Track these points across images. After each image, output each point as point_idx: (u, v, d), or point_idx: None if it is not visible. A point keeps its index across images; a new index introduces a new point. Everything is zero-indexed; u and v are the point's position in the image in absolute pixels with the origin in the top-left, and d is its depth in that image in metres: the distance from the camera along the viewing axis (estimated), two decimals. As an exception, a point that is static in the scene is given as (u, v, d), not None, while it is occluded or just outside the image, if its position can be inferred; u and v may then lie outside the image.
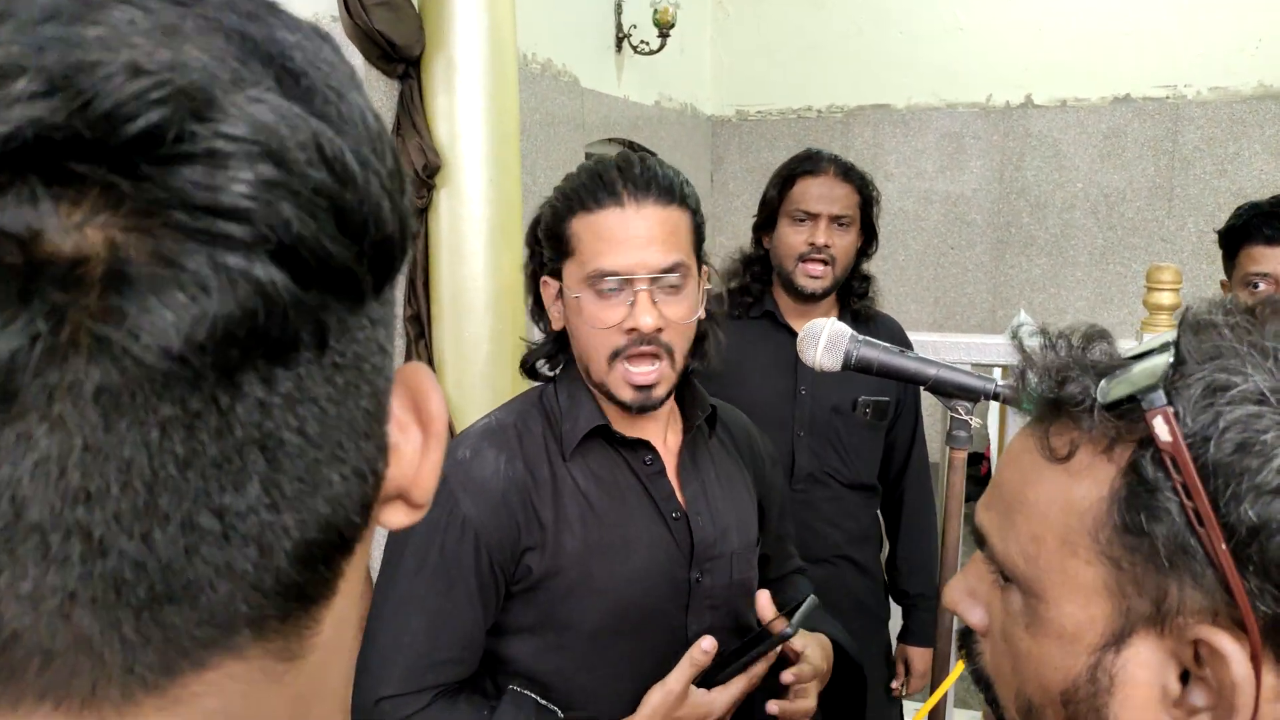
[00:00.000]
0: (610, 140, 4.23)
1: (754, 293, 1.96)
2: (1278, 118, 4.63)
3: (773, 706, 1.12)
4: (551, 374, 1.20)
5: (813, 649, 1.16)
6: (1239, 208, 1.68)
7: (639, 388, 1.10)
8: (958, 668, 0.94)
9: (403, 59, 2.55)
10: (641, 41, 4.24)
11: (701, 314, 1.15)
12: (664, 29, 4.15)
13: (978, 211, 5.15)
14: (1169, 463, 0.47)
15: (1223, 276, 1.73)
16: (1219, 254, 3.94)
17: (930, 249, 5.25)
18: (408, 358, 2.77)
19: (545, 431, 1.14)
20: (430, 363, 2.77)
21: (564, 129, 3.67)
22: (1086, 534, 0.51)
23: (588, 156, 3.96)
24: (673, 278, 1.08)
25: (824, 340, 1.16)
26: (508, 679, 1.12)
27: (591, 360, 1.12)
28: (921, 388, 1.15)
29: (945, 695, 0.98)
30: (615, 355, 1.09)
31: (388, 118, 2.61)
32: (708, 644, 1.01)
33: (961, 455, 1.21)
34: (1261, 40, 4.61)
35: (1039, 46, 4.94)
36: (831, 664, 1.19)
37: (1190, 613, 0.48)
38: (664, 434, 1.20)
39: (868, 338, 1.18)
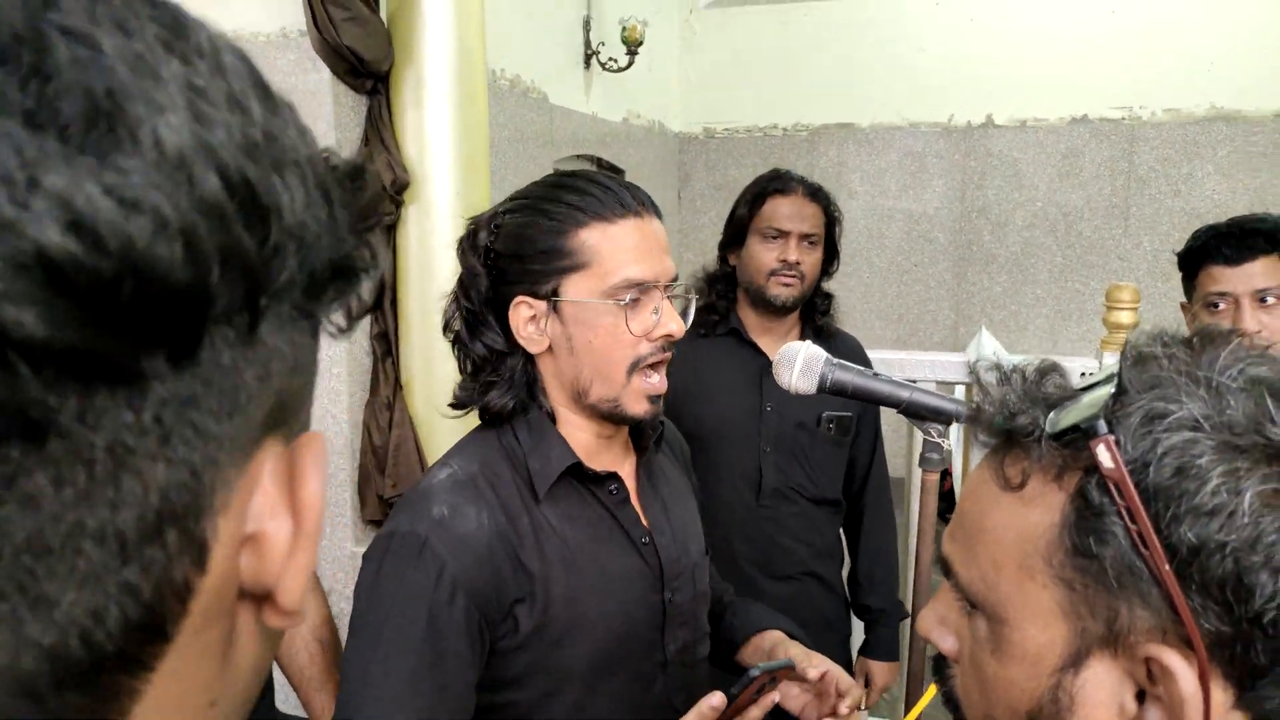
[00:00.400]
0: (579, 156, 4.23)
1: (719, 310, 1.98)
2: (1229, 139, 4.75)
3: None
4: (509, 413, 1.09)
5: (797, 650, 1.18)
6: (1197, 230, 1.71)
7: (653, 398, 1.07)
8: (930, 691, 0.94)
9: (371, 74, 2.53)
10: (610, 59, 4.25)
11: None
12: (632, 46, 4.17)
13: (940, 230, 5.22)
14: (1113, 488, 0.49)
15: (1181, 298, 1.76)
16: (1174, 272, 3.99)
17: (893, 266, 5.31)
18: (374, 376, 2.73)
19: (514, 477, 1.07)
20: (397, 381, 2.73)
21: (532, 145, 3.67)
22: (1041, 558, 0.53)
23: (557, 173, 3.96)
24: (679, 286, 1.10)
25: (799, 364, 1.16)
26: None
27: (604, 377, 1.06)
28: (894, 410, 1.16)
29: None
30: (635, 366, 1.05)
31: (356, 133, 2.59)
32: (716, 700, 0.98)
33: (933, 477, 1.21)
34: (1214, 64, 4.73)
35: (1000, 68, 5.02)
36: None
37: (1140, 632, 0.50)
38: (623, 458, 1.17)
39: (842, 361, 1.18)
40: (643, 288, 1.04)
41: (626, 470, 1.17)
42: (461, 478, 1.06)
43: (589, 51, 4.19)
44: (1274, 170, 4.70)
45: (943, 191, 5.20)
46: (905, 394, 1.16)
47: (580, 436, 1.10)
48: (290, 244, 0.28)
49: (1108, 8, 4.85)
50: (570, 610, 1.06)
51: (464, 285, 1.09)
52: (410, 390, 2.74)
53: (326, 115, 2.50)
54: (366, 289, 0.34)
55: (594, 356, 1.05)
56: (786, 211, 1.94)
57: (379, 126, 2.59)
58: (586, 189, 1.06)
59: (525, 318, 1.06)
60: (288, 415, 0.31)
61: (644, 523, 1.14)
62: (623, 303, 1.04)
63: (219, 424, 0.27)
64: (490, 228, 1.09)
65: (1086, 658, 0.52)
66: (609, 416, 1.08)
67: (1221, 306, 1.62)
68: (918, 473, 2.49)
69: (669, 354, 1.08)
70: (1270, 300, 1.59)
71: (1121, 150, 4.91)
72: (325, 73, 2.48)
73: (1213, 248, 1.63)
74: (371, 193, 0.33)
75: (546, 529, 1.06)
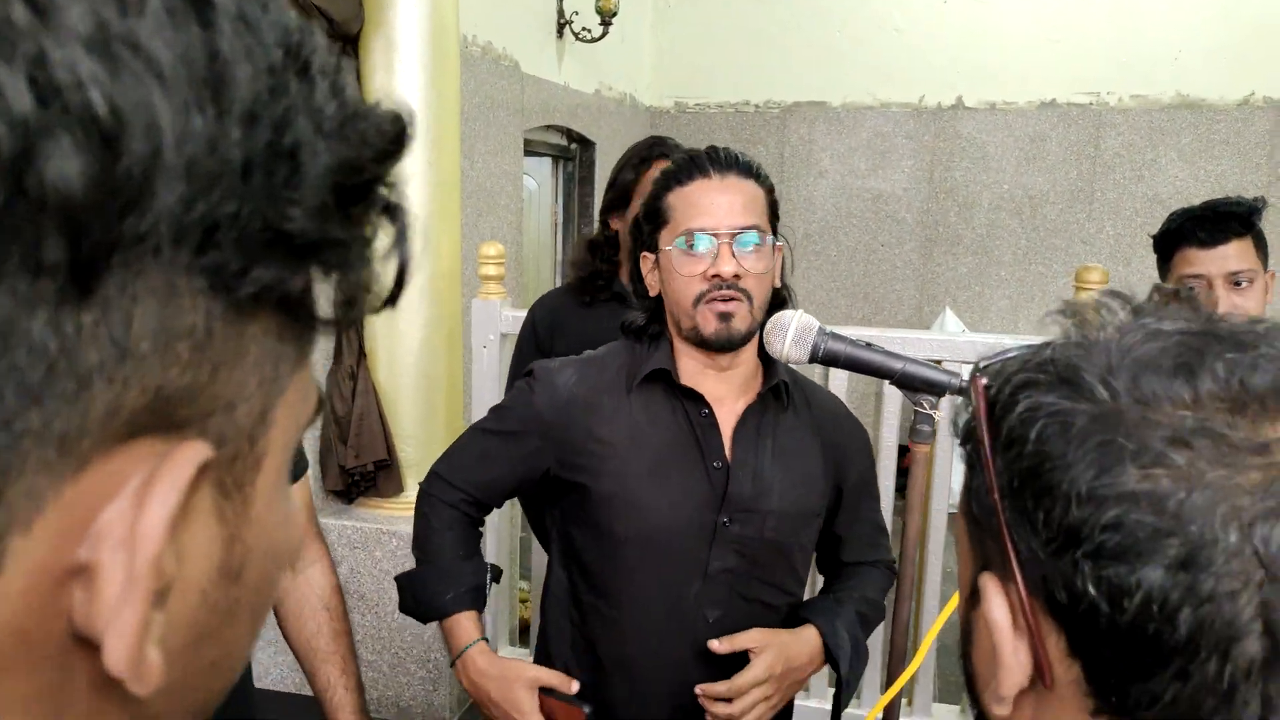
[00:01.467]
0: (549, 127, 4.17)
1: (604, 276, 2.03)
2: (1193, 127, 4.80)
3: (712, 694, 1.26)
4: (644, 332, 1.35)
5: (766, 655, 1.23)
6: (1173, 213, 1.71)
7: (722, 316, 1.24)
8: (911, 667, 0.93)
9: (340, 36, 2.46)
10: (583, 29, 4.18)
11: (777, 282, 1.31)
12: (606, 17, 4.10)
13: (907, 210, 5.23)
14: (978, 423, 0.50)
15: (1147, 280, 1.77)
16: (1135, 256, 4.05)
17: (860, 245, 5.32)
18: (337, 345, 2.68)
19: (623, 369, 1.33)
20: (360, 350, 2.68)
21: (503, 113, 3.60)
22: (962, 501, 0.55)
23: (527, 143, 3.89)
24: (751, 235, 1.24)
25: (792, 332, 1.14)
26: (573, 559, 1.36)
27: (680, 307, 1.27)
28: (886, 381, 1.14)
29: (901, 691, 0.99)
30: (699, 299, 1.24)
31: (322, 95, 2.52)
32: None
33: (924, 449, 1.20)
34: (1180, 53, 4.76)
35: (970, 50, 5.02)
36: (805, 664, 1.29)
37: (996, 565, 0.50)
38: (735, 398, 1.33)
39: (835, 330, 1.17)
40: (707, 234, 1.23)
41: (734, 406, 1.32)
42: (585, 358, 1.38)
43: (562, 20, 4.12)
44: (1235, 158, 4.75)
45: (911, 172, 5.20)
46: (898, 365, 1.14)
47: (688, 363, 1.31)
48: (167, 183, 0.23)
49: (1078, -7, 4.86)
50: (619, 480, 1.28)
51: (632, 245, 1.38)
52: (374, 360, 2.69)
53: (292, 76, 2.43)
54: (374, 278, 0.30)
55: (673, 293, 1.28)
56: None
57: (346, 89, 2.51)
58: (679, 160, 1.31)
59: (647, 269, 1.33)
60: (176, 416, 0.26)
61: (727, 453, 1.30)
62: (692, 248, 1.24)
63: (17, 413, 0.22)
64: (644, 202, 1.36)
65: (976, 591, 0.52)
66: (698, 341, 1.27)
67: (1195, 290, 1.63)
68: (885, 451, 2.50)
69: (733, 293, 1.24)
70: (1243, 283, 1.60)
71: (1087, 135, 4.94)
72: (291, 32, 2.40)
73: (1188, 230, 1.64)
74: (373, 153, 0.28)
75: (626, 413, 1.30)
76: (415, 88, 2.59)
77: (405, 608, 1.41)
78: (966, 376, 0.54)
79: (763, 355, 1.33)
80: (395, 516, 2.68)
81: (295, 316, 0.29)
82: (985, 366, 0.52)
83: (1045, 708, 0.49)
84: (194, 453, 0.26)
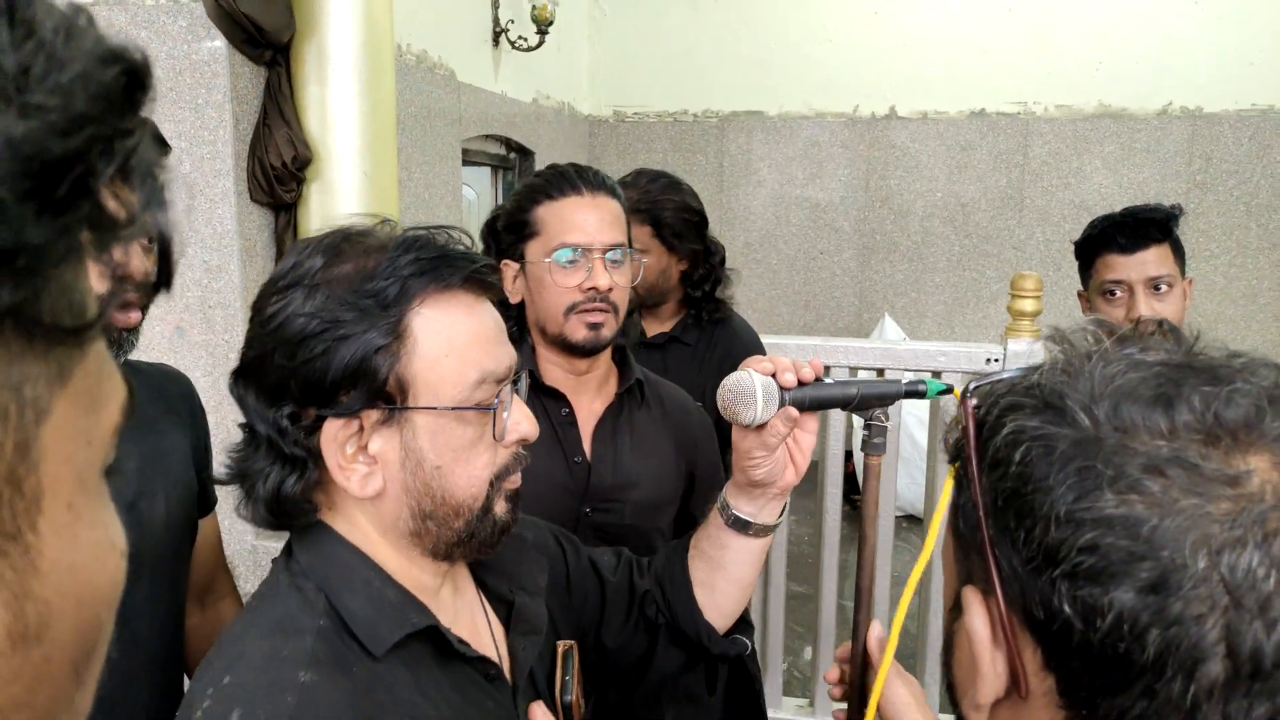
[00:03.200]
0: (488, 136, 4.13)
1: None
2: (1115, 135, 4.96)
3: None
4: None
5: None
6: (1093, 220, 1.75)
7: (591, 325, 1.32)
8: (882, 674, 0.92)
9: (270, 45, 2.40)
10: (520, 37, 4.15)
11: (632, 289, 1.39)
12: (542, 25, 4.08)
13: (844, 218, 5.31)
14: (967, 441, 0.52)
15: (1078, 286, 1.81)
16: (1065, 261, 4.14)
17: (800, 254, 5.37)
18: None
19: None
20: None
21: (440, 123, 3.56)
22: (949, 516, 0.57)
23: (465, 152, 3.85)
24: (618, 251, 1.33)
25: (760, 395, 1.13)
26: None
27: (549, 316, 1.33)
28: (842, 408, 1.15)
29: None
30: (570, 310, 1.31)
31: (254, 106, 2.45)
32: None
33: (878, 461, 1.21)
34: (1102, 63, 4.92)
35: (903, 61, 5.12)
36: None
37: (978, 580, 0.52)
38: (591, 399, 1.40)
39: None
40: (580, 250, 1.31)
41: (591, 406, 1.40)
42: None
43: (498, 29, 4.09)
44: (1155, 166, 4.92)
45: (847, 181, 5.28)
46: (854, 390, 1.14)
47: (549, 367, 1.38)
48: None
49: (1005, 6, 4.99)
50: None
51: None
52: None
53: (222, 86, 2.36)
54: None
55: (542, 304, 1.34)
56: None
57: (279, 100, 2.45)
58: (547, 175, 1.35)
59: (509, 277, 1.37)
60: None
61: (585, 449, 1.37)
62: (566, 263, 1.31)
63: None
64: (497, 210, 1.40)
65: (960, 603, 0.54)
66: (564, 346, 1.34)
67: (1117, 294, 1.67)
68: (832, 460, 2.52)
69: (604, 304, 1.32)
70: (1162, 288, 1.64)
71: (1016, 143, 5.08)
72: (220, 41, 2.33)
73: (1108, 236, 1.67)
74: (78, 113, 0.22)
75: None
76: (349, 97, 2.54)
77: None
78: (952, 389, 0.56)
79: (616, 358, 1.43)
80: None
81: (26, 331, 0.24)
82: (975, 388, 0.54)
83: (1020, 716, 0.51)
84: None
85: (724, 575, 1.09)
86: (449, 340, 0.78)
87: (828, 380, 1.10)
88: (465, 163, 3.88)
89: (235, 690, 0.72)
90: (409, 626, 0.78)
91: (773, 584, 2.63)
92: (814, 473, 3.13)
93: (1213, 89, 4.80)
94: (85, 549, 0.27)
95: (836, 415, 2.48)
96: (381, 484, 0.78)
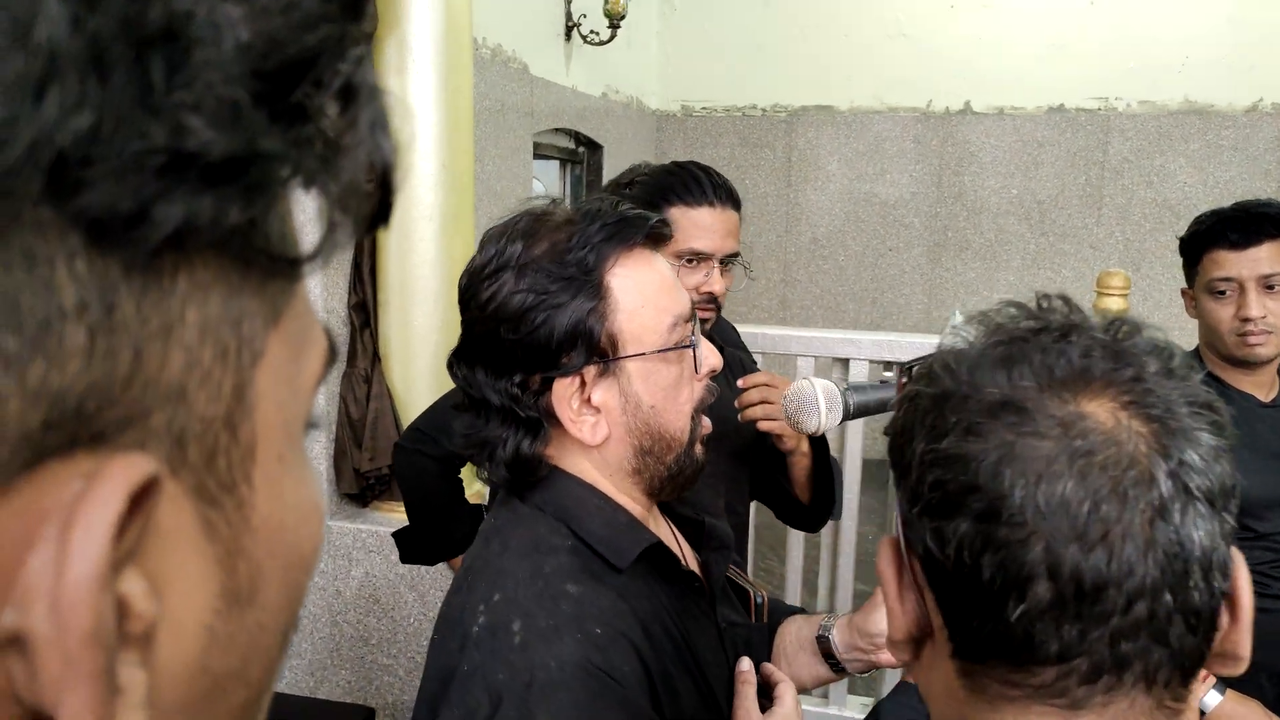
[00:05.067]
0: (558, 130, 4.17)
1: None
2: (1201, 133, 4.81)
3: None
4: None
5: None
6: (1201, 214, 1.70)
7: (702, 321, 1.34)
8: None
9: (354, 36, 2.46)
10: (591, 31, 4.18)
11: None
12: (614, 20, 4.10)
13: (915, 215, 5.23)
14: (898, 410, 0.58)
15: (1183, 284, 1.76)
16: (1144, 262, 4.03)
17: (869, 250, 5.31)
18: (351, 347, 2.66)
19: None
20: (375, 353, 2.67)
21: (513, 116, 3.60)
22: None
23: (535, 146, 3.89)
24: (730, 261, 1.42)
25: (823, 403, 1.13)
26: None
27: None
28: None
29: None
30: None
31: (337, 97, 2.51)
32: (745, 664, 0.98)
33: None
34: (1188, 59, 4.77)
35: (978, 55, 5.03)
36: None
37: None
38: None
39: (853, 383, 1.18)
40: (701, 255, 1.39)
41: None
42: None
43: (570, 23, 4.12)
44: (1243, 164, 4.76)
45: (919, 177, 5.20)
46: None
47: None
48: None
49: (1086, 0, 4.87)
50: None
51: None
52: (388, 363, 2.68)
53: (307, 77, 2.42)
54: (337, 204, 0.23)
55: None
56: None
57: (361, 91, 2.51)
58: (683, 177, 1.43)
59: None
60: (96, 424, 0.20)
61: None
62: (683, 262, 1.41)
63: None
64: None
65: None
66: None
67: (1226, 292, 1.62)
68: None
69: (712, 305, 1.42)
70: (1276, 286, 1.59)
71: (1096, 140, 4.95)
72: (307, 33, 2.40)
73: (1218, 232, 1.62)
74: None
75: None
76: (429, 89, 2.59)
77: (410, 557, 1.54)
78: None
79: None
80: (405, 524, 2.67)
81: (246, 259, 0.23)
82: (907, 366, 0.63)
83: (934, 656, 0.56)
84: (128, 470, 0.20)
85: (786, 667, 1.12)
86: (642, 293, 0.87)
87: (883, 380, 1.11)
88: (535, 156, 3.92)
89: (509, 605, 0.80)
90: (644, 542, 0.87)
91: (840, 583, 2.61)
92: (884, 470, 3.10)
93: (1307, 84, 4.63)
94: (292, 506, 0.26)
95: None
96: (608, 430, 0.87)
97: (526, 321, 0.82)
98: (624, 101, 4.92)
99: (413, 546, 1.65)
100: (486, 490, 1.74)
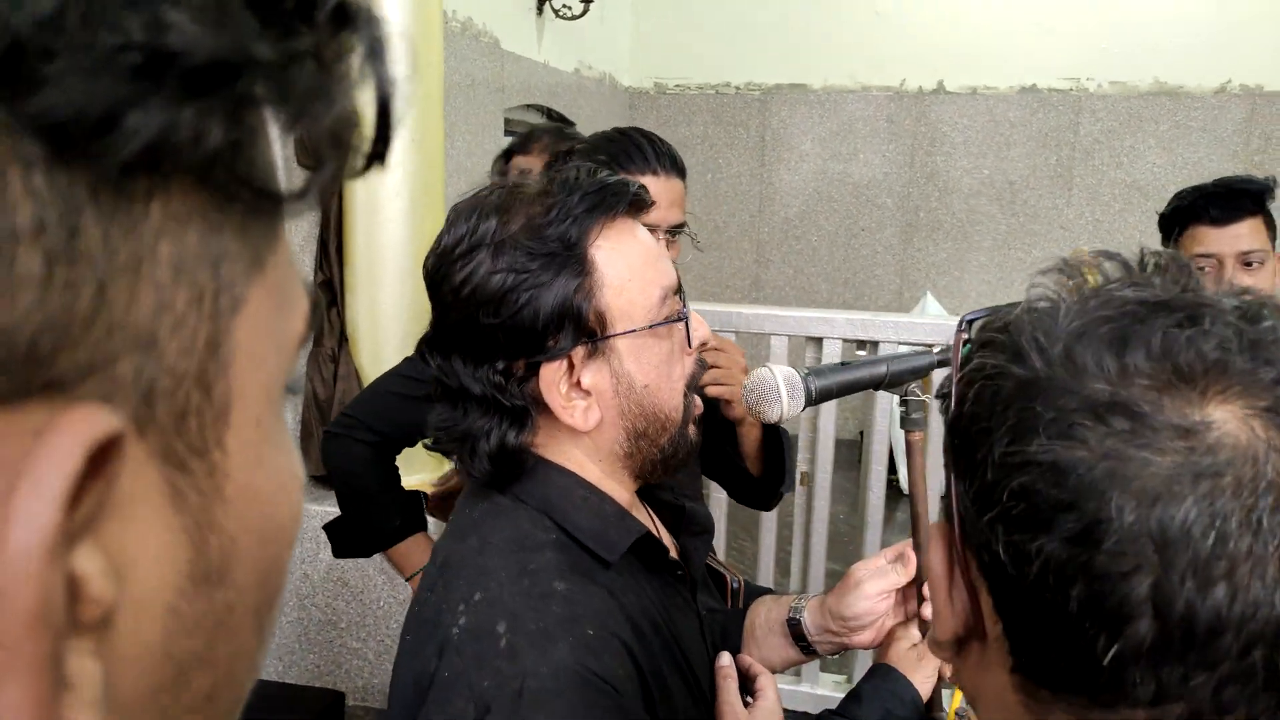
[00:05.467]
0: (529, 106, 4.11)
1: None
2: (1171, 113, 4.84)
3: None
4: None
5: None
6: (1182, 190, 1.69)
7: None
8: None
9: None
10: (564, 5, 4.12)
11: None
12: (586, -6, 4.05)
13: (888, 194, 5.24)
14: (953, 376, 0.50)
15: None
16: (1113, 242, 4.05)
17: (841, 230, 5.31)
18: (318, 329, 2.62)
19: None
20: (342, 332, 2.63)
21: (483, 92, 3.54)
22: None
23: (507, 122, 3.83)
24: (675, 232, 1.39)
25: (784, 389, 1.10)
26: None
27: None
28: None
29: None
30: None
31: (301, 69, 2.45)
32: (725, 659, 0.96)
33: (920, 437, 1.18)
34: (1158, 39, 4.79)
35: (952, 35, 5.02)
36: None
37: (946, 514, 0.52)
38: None
39: (815, 367, 1.14)
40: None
41: None
42: None
43: (542, -3, 4.06)
44: (1211, 145, 4.80)
45: (891, 157, 5.20)
46: (883, 368, 1.12)
47: None
48: None
49: (1059, -23, 4.87)
50: None
51: None
52: (355, 343, 2.63)
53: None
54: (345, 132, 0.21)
55: None
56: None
57: (326, 63, 2.46)
58: (622, 144, 1.36)
59: None
60: (52, 370, 0.17)
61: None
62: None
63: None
64: None
65: None
66: None
67: (1205, 269, 1.62)
68: (878, 436, 2.49)
69: None
70: (1254, 263, 1.59)
71: (1067, 120, 4.97)
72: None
73: (1199, 208, 1.62)
74: None
75: None
76: (397, 62, 2.53)
77: (344, 550, 1.54)
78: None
79: None
80: (377, 503, 2.64)
81: (228, 191, 0.20)
82: (971, 320, 0.52)
83: (983, 662, 0.50)
84: (87, 424, 0.17)
85: (755, 650, 1.09)
86: (628, 265, 0.82)
87: (853, 360, 1.08)
88: (507, 132, 3.86)
89: (492, 605, 0.75)
90: (634, 533, 0.84)
91: (813, 562, 2.62)
92: (855, 450, 3.08)
93: (1274, 66, 4.67)
94: (270, 475, 0.24)
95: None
96: (600, 414, 0.82)
97: (508, 304, 0.77)
98: (596, 78, 4.86)
99: (345, 539, 1.59)
100: (428, 478, 1.70)
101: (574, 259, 0.79)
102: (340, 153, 0.22)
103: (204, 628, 0.22)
